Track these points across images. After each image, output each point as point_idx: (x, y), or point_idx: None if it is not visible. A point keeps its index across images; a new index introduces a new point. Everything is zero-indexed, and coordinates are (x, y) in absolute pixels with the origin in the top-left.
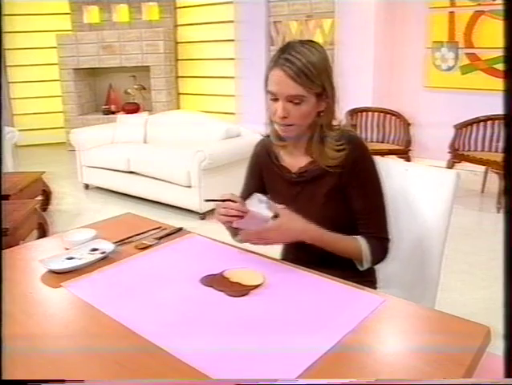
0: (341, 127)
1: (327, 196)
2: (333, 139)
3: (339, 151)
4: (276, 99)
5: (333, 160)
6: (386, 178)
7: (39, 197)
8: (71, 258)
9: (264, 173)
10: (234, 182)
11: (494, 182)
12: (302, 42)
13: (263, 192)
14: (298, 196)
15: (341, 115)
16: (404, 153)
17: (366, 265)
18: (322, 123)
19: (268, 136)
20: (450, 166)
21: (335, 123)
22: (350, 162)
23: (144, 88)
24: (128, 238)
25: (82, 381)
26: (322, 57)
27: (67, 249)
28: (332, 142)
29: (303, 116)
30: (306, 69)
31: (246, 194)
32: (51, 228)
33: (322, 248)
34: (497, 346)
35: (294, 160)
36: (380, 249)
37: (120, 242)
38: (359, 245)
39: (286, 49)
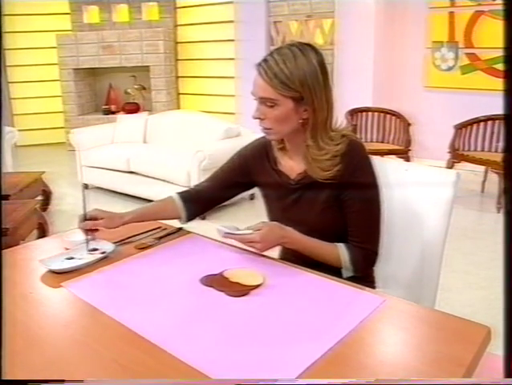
0: (341, 136)
1: (325, 203)
2: (324, 152)
3: (331, 164)
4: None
5: (324, 172)
6: (386, 178)
7: (39, 197)
8: (71, 258)
9: (259, 178)
10: None
11: (494, 182)
12: (293, 45)
13: (244, 188)
14: (296, 202)
15: (341, 117)
16: (404, 153)
17: (346, 273)
18: (307, 132)
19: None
20: (450, 166)
21: (332, 133)
22: (347, 173)
23: (144, 88)
24: (127, 238)
25: (81, 381)
26: (307, 64)
27: (67, 249)
28: (321, 155)
29: (279, 120)
30: (281, 72)
31: (216, 182)
32: (51, 228)
33: (303, 253)
34: (497, 346)
35: (293, 166)
36: (363, 259)
37: (120, 242)
38: (339, 253)
39: (273, 51)
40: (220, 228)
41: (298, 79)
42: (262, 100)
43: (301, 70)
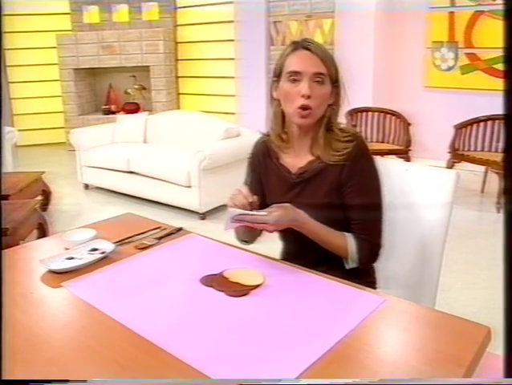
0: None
1: (326, 196)
2: (338, 132)
3: (345, 142)
4: (296, 81)
5: (338, 153)
6: (386, 178)
7: (39, 197)
8: (71, 258)
9: (262, 173)
10: (234, 182)
11: (494, 182)
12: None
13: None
14: (298, 196)
15: (341, 117)
16: (404, 153)
17: (352, 264)
18: (330, 115)
19: (268, 135)
20: (450, 166)
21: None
22: (351, 158)
23: (144, 88)
24: (127, 238)
25: (85, 381)
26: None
27: (67, 249)
28: (338, 134)
29: (323, 100)
30: (328, 51)
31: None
32: (51, 228)
33: (311, 238)
34: (497, 346)
35: (295, 160)
36: (369, 252)
37: (120, 242)
38: (346, 243)
39: (302, 39)
40: (231, 210)
41: (333, 59)
42: (314, 76)
43: (331, 54)
